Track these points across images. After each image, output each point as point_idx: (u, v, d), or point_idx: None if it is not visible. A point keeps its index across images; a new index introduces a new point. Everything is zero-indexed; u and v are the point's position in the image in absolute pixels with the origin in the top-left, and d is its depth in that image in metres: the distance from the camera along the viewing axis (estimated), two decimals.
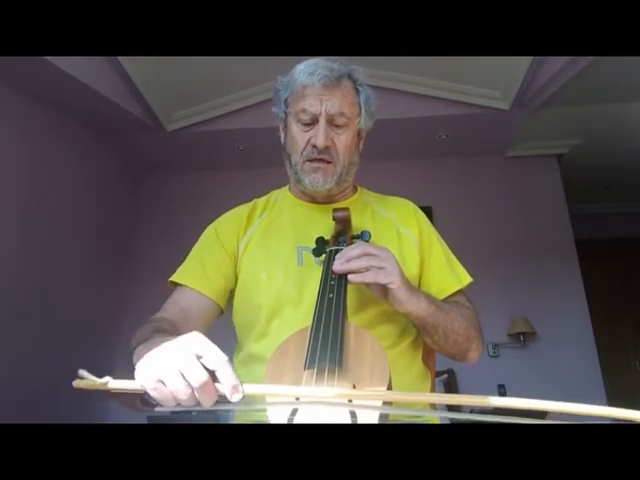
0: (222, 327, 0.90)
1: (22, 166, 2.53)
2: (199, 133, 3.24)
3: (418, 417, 0.73)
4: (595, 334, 3.12)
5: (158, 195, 3.76)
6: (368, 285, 0.74)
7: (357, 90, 0.92)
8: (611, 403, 0.55)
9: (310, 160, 0.89)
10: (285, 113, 0.93)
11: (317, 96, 0.86)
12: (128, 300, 3.34)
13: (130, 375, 0.50)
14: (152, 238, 3.58)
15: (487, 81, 2.85)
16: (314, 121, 0.87)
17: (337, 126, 0.88)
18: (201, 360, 0.48)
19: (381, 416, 0.52)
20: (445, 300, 0.88)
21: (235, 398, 0.48)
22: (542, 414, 0.45)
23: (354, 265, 0.70)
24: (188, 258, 0.94)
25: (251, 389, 0.49)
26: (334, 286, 0.71)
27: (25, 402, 2.25)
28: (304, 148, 0.89)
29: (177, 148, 3.45)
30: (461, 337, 0.81)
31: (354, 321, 0.76)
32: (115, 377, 0.49)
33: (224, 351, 0.50)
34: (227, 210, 1.01)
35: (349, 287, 0.73)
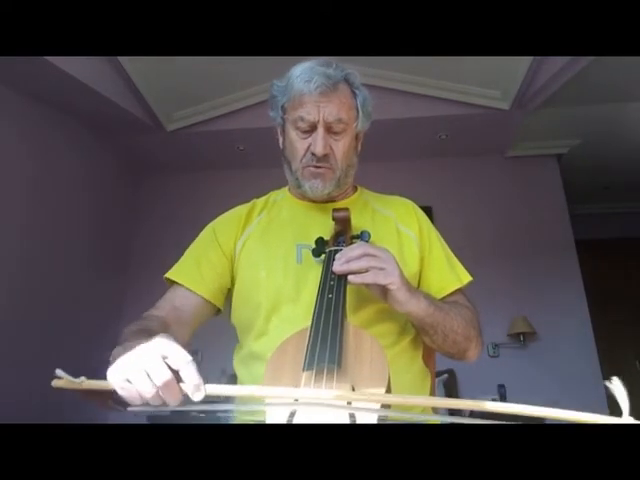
0: (226, 326, 0.90)
1: (22, 166, 2.54)
2: (199, 133, 3.23)
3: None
4: (595, 334, 3.12)
5: (158, 195, 3.76)
6: (368, 286, 0.74)
7: (354, 93, 0.92)
8: (611, 403, 0.55)
9: (309, 167, 0.89)
10: (283, 119, 0.93)
11: (314, 104, 0.86)
12: (128, 299, 3.34)
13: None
14: (152, 238, 3.57)
15: (487, 81, 2.85)
16: (312, 128, 0.87)
17: (335, 133, 0.88)
18: (166, 360, 0.51)
19: (380, 418, 0.52)
20: (444, 299, 0.89)
21: (197, 397, 0.50)
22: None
23: (354, 266, 0.71)
24: (184, 256, 0.94)
25: (214, 389, 0.51)
26: (333, 286, 0.71)
27: (25, 402, 2.25)
28: (303, 155, 0.89)
29: (177, 148, 3.45)
30: (460, 337, 0.81)
31: (353, 319, 0.76)
32: None
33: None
34: (226, 210, 1.01)
35: (348, 287, 0.72)
